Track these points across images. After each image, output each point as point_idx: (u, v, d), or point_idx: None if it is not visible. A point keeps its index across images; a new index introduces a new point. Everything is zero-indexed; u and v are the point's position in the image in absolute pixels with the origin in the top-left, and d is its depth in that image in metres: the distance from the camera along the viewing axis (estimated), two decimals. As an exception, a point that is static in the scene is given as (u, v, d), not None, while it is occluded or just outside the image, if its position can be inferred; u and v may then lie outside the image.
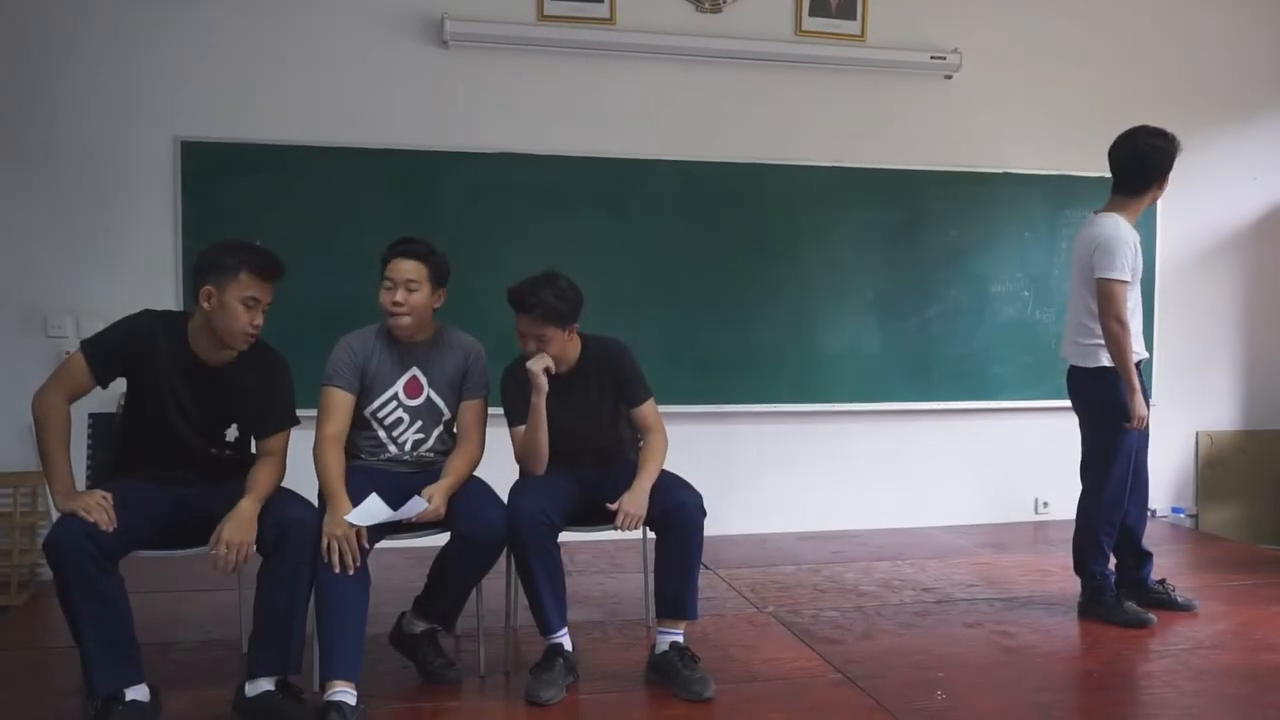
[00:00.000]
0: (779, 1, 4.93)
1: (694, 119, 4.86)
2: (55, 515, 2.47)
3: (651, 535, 2.96)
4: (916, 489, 5.14)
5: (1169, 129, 5.32)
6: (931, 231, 5.05)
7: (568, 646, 2.84)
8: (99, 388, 2.63)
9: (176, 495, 2.64)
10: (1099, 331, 3.40)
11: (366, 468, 2.87)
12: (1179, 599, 3.58)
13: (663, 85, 4.85)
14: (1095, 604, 3.50)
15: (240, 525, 2.52)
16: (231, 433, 2.76)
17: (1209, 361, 5.49)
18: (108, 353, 2.61)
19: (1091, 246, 3.39)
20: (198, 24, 4.42)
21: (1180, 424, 5.44)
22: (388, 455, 2.91)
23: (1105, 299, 3.34)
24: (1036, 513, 5.27)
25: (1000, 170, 5.08)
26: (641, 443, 3.08)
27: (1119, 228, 3.38)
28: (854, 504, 5.06)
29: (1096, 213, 3.51)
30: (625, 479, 2.91)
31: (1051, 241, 5.17)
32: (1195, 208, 5.39)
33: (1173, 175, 5.40)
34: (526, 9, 4.68)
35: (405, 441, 2.92)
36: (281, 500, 2.65)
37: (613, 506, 2.82)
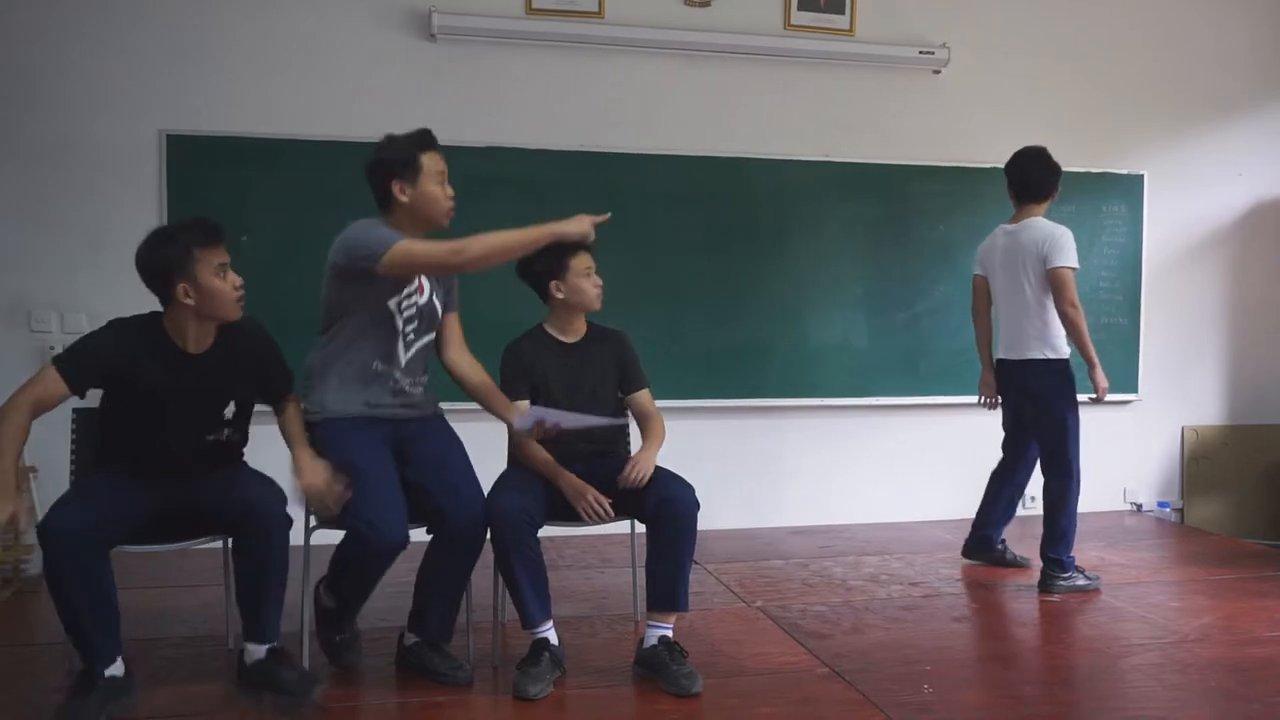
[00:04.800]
0: (768, -4, 4.93)
1: (682, 113, 4.86)
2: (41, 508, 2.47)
3: (641, 529, 2.97)
4: (904, 484, 5.15)
5: (1156, 124, 5.56)
6: (920, 226, 5.06)
7: (554, 640, 2.84)
8: (76, 397, 2.56)
9: (159, 488, 2.62)
10: (1054, 323, 3.75)
11: (357, 423, 2.77)
12: (1009, 557, 4.15)
13: (651, 79, 4.83)
14: (1057, 581, 3.76)
15: (308, 470, 2.61)
16: (229, 410, 2.71)
17: (1194, 357, 5.51)
18: (82, 365, 2.53)
19: (1040, 245, 3.74)
20: (182, 16, 4.38)
21: (1166, 419, 5.48)
22: (383, 368, 2.80)
23: (1064, 286, 3.68)
24: (1024, 507, 5.27)
25: (989, 165, 5.07)
26: (641, 428, 3.10)
27: (1056, 225, 3.77)
28: (842, 499, 5.07)
29: (1011, 223, 3.90)
30: (614, 469, 2.92)
31: (1039, 237, 5.19)
32: (1181, 203, 5.41)
33: (1161, 170, 5.52)
34: (515, 2, 4.66)
35: (409, 335, 2.83)
36: (241, 480, 2.67)
37: (626, 473, 2.86)
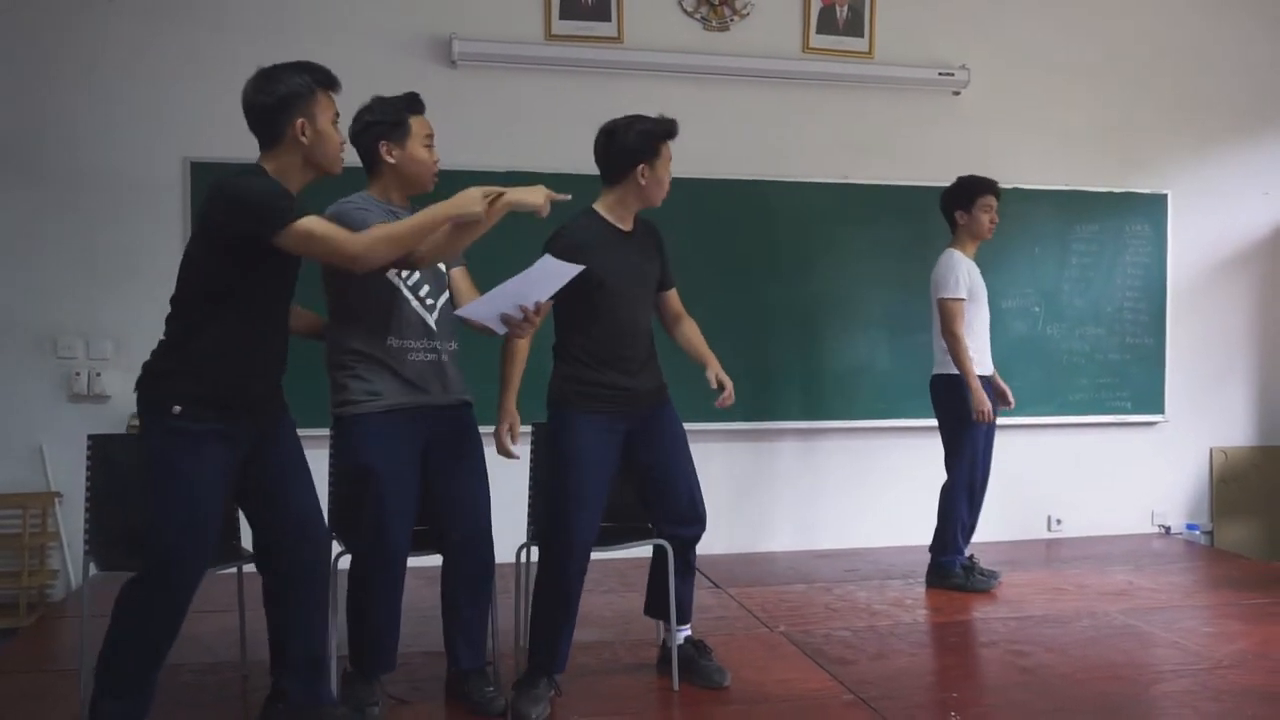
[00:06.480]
0: (786, 19, 4.94)
1: (702, 137, 4.84)
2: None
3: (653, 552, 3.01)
4: (928, 506, 5.09)
5: (1179, 143, 5.53)
6: (941, 247, 5.02)
7: None
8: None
9: (229, 473, 2.37)
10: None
11: (390, 420, 2.64)
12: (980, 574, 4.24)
13: (670, 103, 4.77)
14: (946, 579, 4.12)
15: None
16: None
17: (1223, 377, 5.44)
18: (294, 204, 2.35)
19: (933, 275, 4.12)
20: (207, 46, 4.43)
21: (1193, 440, 5.40)
22: (400, 342, 2.67)
23: (943, 315, 4.03)
24: (1050, 530, 5.23)
25: (1009, 186, 5.02)
26: (680, 329, 3.26)
27: (951, 257, 4.12)
28: (865, 522, 5.02)
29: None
30: (662, 443, 3.00)
31: (1062, 256, 5.16)
32: (1207, 222, 5.37)
33: (1184, 189, 5.45)
34: (534, 28, 4.70)
35: (427, 300, 2.73)
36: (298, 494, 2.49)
37: (722, 394, 3.04)
